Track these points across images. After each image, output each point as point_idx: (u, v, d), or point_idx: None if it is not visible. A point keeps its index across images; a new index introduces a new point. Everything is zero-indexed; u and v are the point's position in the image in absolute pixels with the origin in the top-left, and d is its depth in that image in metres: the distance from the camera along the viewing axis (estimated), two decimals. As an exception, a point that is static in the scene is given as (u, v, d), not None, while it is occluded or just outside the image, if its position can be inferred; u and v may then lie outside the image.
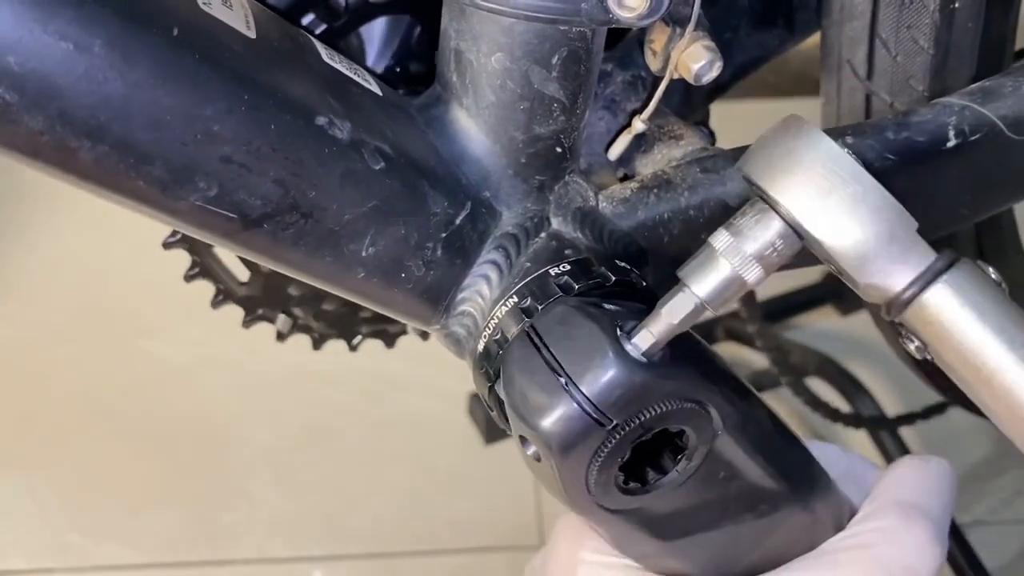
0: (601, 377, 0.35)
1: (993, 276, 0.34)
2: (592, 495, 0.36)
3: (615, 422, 0.35)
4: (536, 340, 0.36)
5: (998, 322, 0.33)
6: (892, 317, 0.35)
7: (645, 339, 0.35)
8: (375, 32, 0.49)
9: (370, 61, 0.50)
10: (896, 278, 0.34)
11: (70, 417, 1.04)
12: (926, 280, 0.33)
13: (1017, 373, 0.33)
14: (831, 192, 0.32)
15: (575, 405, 0.35)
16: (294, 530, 0.97)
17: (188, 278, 0.58)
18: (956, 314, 0.33)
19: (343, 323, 0.61)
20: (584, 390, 0.35)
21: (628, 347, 0.35)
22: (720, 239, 0.34)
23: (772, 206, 0.33)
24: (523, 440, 0.37)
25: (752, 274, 0.34)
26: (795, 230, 0.33)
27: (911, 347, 0.35)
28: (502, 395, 0.38)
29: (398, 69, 0.49)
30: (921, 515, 0.39)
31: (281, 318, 0.60)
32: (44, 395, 1.06)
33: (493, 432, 1.00)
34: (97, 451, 1.01)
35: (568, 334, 0.36)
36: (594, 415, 0.35)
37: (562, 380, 0.35)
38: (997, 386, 0.34)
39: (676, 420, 0.36)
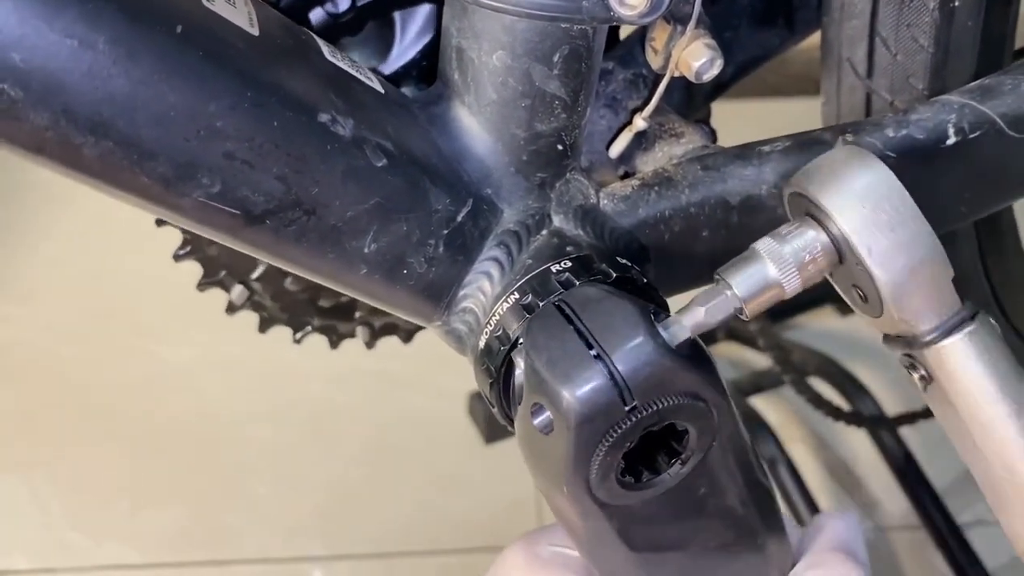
0: (635, 354, 0.35)
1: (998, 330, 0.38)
2: (591, 479, 0.36)
3: (636, 403, 0.35)
4: (568, 312, 0.37)
5: (1006, 379, 0.37)
6: (908, 351, 0.37)
7: (677, 329, 0.36)
8: (416, 18, 0.49)
9: (403, 44, 0.49)
10: (925, 319, 0.36)
11: (70, 417, 1.04)
12: (951, 326, 0.36)
13: (1012, 426, 0.37)
14: (890, 227, 0.35)
15: (604, 377, 0.35)
16: (294, 530, 0.97)
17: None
18: (971, 364, 0.37)
19: (296, 310, 0.59)
20: (616, 364, 0.35)
21: (663, 333, 0.36)
22: (765, 243, 0.36)
23: (822, 223, 0.35)
24: (535, 410, 0.36)
25: (790, 281, 0.36)
26: (839, 249, 0.35)
27: (915, 376, 0.38)
28: (520, 362, 0.38)
29: (424, 63, 0.49)
30: (857, 560, 0.43)
31: (238, 289, 0.58)
32: (44, 395, 1.06)
33: (494, 431, 1.00)
34: (97, 451, 1.01)
35: (604, 310, 0.36)
36: (620, 390, 0.35)
37: (593, 352, 0.35)
38: (990, 433, 0.37)
39: (686, 416, 0.36)
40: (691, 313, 0.36)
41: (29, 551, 0.96)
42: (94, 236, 1.16)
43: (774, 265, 0.35)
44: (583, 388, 0.35)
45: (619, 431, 0.35)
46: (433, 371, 1.02)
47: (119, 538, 0.96)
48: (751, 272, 0.35)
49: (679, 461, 0.37)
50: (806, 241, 0.35)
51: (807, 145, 0.45)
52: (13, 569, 0.95)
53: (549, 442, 0.36)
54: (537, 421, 0.36)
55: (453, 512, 0.97)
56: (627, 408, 0.35)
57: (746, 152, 0.45)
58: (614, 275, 0.40)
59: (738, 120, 0.65)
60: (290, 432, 1.03)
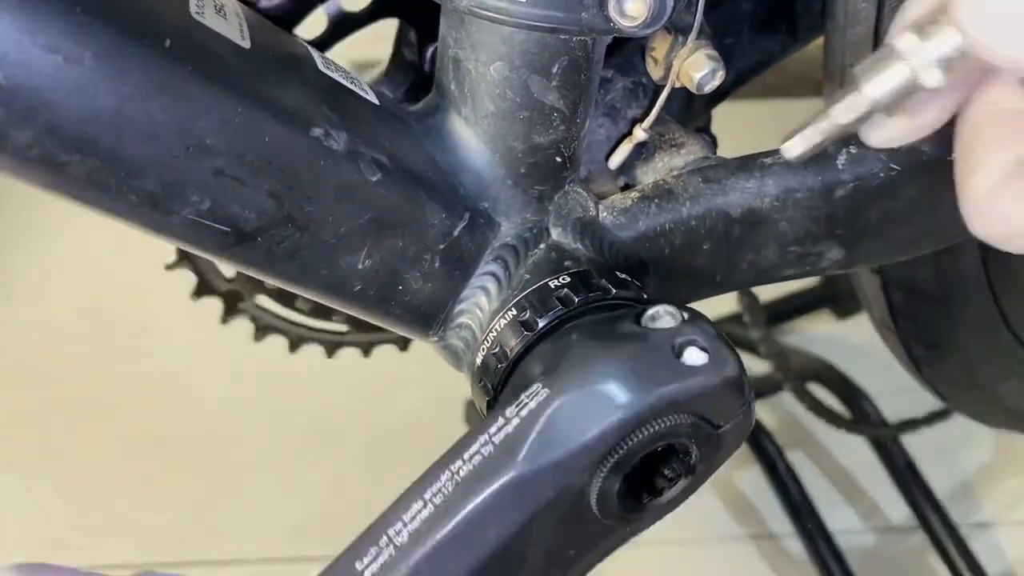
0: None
1: None
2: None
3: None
4: None
5: None
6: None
7: None
8: None
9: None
10: None
11: (70, 417, 1.04)
12: None
13: None
14: None
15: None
16: (294, 530, 0.96)
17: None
18: None
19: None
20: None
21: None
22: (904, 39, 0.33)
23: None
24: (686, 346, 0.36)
25: (932, 77, 0.32)
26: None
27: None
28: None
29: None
30: None
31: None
32: (44, 395, 1.06)
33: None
34: (97, 451, 1.01)
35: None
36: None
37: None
38: None
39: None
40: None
41: (28, 551, 0.95)
42: (93, 236, 1.15)
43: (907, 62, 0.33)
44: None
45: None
46: (433, 372, 1.01)
47: (119, 538, 0.96)
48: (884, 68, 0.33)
49: (661, 497, 0.37)
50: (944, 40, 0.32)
51: (810, 157, 0.44)
52: (13, 569, 0.95)
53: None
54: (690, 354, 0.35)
55: (453, 513, 0.97)
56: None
57: (748, 164, 0.44)
58: (613, 291, 0.39)
59: (737, 121, 0.64)
60: (290, 432, 1.03)
